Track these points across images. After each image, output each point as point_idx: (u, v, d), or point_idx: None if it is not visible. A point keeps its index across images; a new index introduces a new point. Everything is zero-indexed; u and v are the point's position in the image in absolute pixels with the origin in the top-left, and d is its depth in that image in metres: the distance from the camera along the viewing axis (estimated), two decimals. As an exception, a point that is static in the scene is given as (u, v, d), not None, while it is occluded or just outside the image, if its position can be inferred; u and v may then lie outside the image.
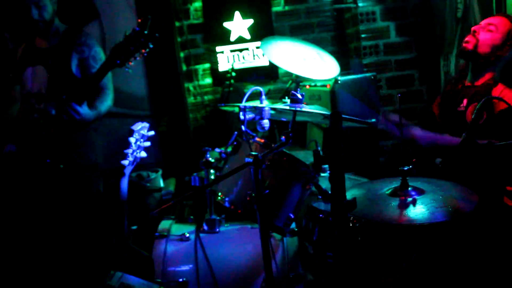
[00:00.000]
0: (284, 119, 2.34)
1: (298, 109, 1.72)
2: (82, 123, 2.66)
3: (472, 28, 2.34)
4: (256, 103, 2.05)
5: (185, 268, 2.18)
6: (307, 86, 3.74)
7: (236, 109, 2.12)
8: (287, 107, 1.79)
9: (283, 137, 1.70)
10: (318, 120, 2.34)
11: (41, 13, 2.71)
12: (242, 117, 2.03)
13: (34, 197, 2.74)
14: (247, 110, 2.05)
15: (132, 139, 2.00)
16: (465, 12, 3.31)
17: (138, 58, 2.42)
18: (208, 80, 4.38)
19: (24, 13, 2.70)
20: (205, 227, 2.32)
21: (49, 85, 2.73)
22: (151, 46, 2.40)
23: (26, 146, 2.69)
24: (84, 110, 2.58)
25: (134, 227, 3.21)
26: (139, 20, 2.41)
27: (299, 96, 1.76)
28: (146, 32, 2.36)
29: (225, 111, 3.84)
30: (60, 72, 2.72)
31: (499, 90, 2.24)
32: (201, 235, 2.28)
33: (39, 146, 2.62)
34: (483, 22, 2.35)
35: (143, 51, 2.40)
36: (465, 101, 2.36)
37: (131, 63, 2.44)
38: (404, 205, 1.64)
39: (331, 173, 1.30)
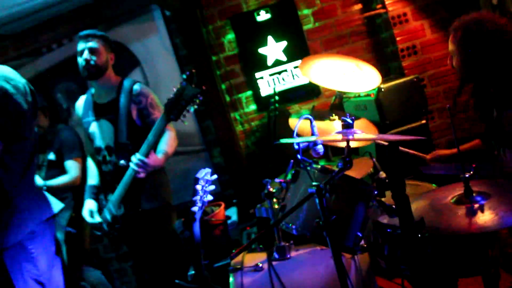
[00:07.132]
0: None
1: (351, 137, 1.77)
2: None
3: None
4: (308, 135, 2.12)
5: (263, 297, 2.26)
6: (351, 97, 3.77)
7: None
8: (340, 137, 1.84)
9: (341, 163, 1.75)
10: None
11: (91, 58, 2.86)
12: (296, 146, 2.11)
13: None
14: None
15: (198, 187, 2.12)
16: (500, -2, 3.26)
17: (192, 111, 2.57)
18: (253, 107, 4.50)
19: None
20: (276, 255, 2.39)
21: (116, 137, 2.89)
22: (200, 98, 2.55)
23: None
24: (153, 157, 2.73)
25: (206, 262, 3.32)
26: (185, 74, 2.57)
27: (349, 120, 1.81)
28: (193, 85, 2.51)
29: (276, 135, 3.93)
30: (123, 124, 2.86)
31: None
32: (274, 263, 2.35)
33: None
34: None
35: (196, 103, 2.55)
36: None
37: (186, 116, 2.59)
38: (471, 213, 1.64)
39: (395, 202, 1.34)
